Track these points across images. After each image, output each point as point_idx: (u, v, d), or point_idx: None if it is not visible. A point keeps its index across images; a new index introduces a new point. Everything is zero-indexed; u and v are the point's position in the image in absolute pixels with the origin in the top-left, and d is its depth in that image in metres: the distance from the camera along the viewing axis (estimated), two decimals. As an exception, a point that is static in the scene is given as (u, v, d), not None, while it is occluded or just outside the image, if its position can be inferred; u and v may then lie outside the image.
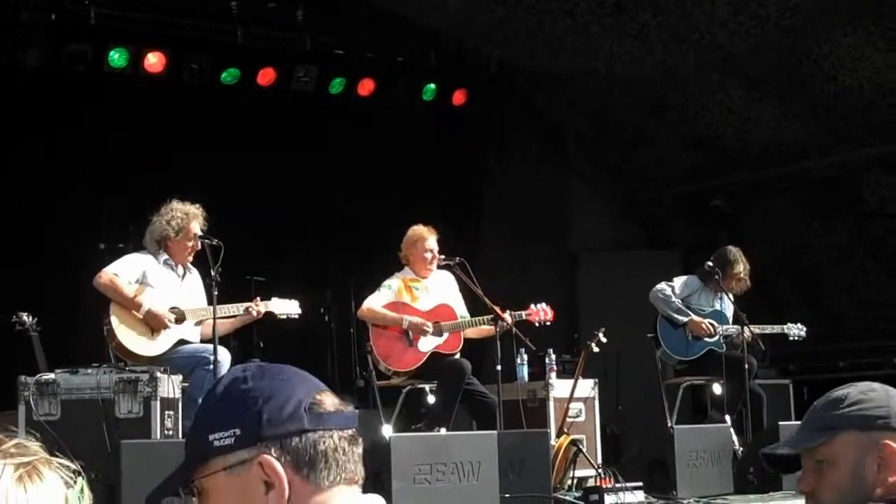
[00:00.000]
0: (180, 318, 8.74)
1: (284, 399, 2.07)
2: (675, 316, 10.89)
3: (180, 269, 8.98)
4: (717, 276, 10.81)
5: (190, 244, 8.83)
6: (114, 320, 8.59)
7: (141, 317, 8.61)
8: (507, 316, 9.51)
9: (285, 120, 12.97)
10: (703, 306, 11.07)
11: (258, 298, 9.17)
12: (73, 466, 1.85)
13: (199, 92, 12.49)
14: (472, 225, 14.58)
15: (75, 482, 1.84)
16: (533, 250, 14.76)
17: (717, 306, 11.10)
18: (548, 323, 10.10)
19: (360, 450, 2.13)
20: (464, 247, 11.03)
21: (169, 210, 8.87)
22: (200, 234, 8.76)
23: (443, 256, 9.85)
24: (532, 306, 10.06)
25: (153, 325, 8.65)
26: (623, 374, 13.23)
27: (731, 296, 10.88)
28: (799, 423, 2.88)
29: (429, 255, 9.89)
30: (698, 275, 11.15)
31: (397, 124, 13.47)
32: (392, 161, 13.45)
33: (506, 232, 14.69)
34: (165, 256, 8.89)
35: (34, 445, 1.84)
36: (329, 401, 2.12)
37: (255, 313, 8.95)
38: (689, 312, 10.92)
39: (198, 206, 8.91)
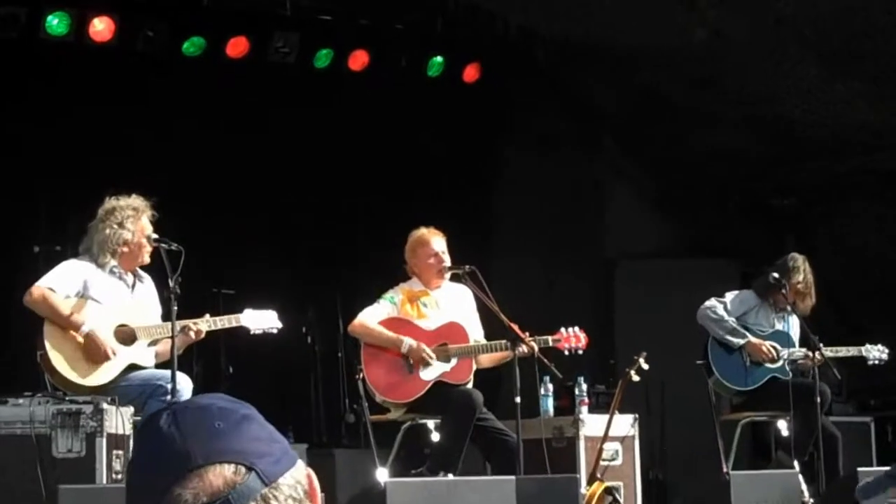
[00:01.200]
0: (130, 338, 8.58)
1: None
2: (730, 338, 10.84)
3: (129, 278, 8.80)
4: (783, 290, 10.73)
5: (145, 242, 8.65)
6: (48, 344, 8.43)
7: (81, 340, 8.44)
8: (529, 339, 9.41)
9: (259, 99, 12.97)
10: (763, 326, 11.05)
11: (207, 315, 8.94)
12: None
13: (155, 64, 12.43)
14: (484, 227, 14.56)
15: None
16: (559, 258, 14.75)
17: (780, 326, 11.07)
18: (580, 352, 10.04)
19: None
20: (475, 253, 10.97)
21: (115, 210, 8.65)
22: (156, 236, 8.62)
23: (447, 265, 9.74)
24: (562, 330, 9.97)
25: (92, 353, 8.46)
26: (669, 409, 13.22)
27: (797, 313, 10.82)
28: (884, 469, 2.75)
29: (433, 261, 9.76)
30: (755, 288, 11.14)
31: (396, 105, 13.44)
32: (389, 150, 13.44)
33: (526, 235, 14.69)
34: (113, 263, 8.70)
35: None
36: None
37: (192, 334, 8.71)
38: (746, 333, 10.87)
39: (139, 196, 8.73)
